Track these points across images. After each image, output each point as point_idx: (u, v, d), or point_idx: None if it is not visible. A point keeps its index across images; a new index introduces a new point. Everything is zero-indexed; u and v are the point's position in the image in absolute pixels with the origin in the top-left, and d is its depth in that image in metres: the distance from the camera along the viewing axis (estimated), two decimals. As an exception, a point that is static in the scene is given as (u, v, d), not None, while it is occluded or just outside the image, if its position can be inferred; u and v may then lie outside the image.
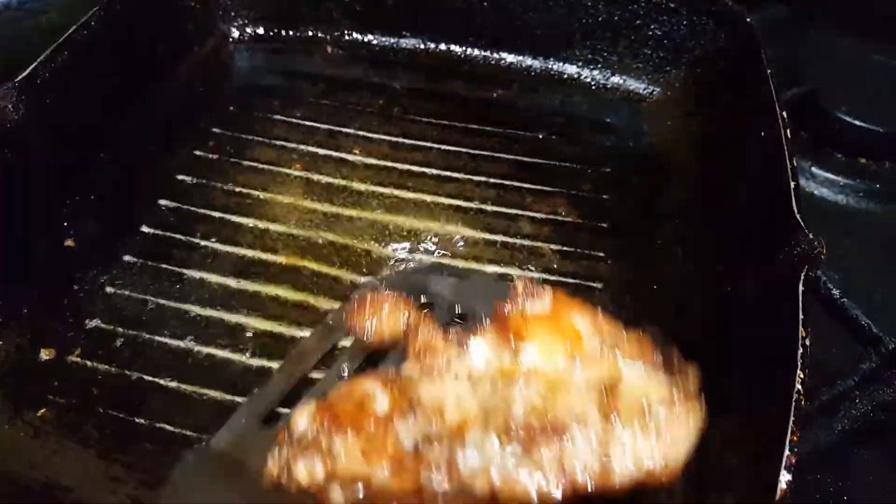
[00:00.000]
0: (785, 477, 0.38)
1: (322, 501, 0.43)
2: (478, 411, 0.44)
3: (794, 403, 0.41)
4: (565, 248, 0.66)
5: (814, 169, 0.80)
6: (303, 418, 0.45)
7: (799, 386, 0.41)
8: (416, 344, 0.47)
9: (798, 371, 0.42)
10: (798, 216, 0.51)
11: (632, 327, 0.49)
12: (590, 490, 0.41)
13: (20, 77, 0.62)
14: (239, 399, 0.55)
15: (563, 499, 0.41)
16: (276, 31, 0.86)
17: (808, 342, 0.44)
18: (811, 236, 0.49)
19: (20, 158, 0.61)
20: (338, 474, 0.42)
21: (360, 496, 0.42)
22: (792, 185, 0.53)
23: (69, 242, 0.63)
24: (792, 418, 0.40)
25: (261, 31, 0.87)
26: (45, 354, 0.57)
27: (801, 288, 0.46)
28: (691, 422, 0.43)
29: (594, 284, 0.63)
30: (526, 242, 0.66)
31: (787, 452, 0.39)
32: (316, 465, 0.42)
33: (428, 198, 0.70)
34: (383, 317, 0.51)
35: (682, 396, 0.44)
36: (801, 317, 0.45)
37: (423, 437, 0.43)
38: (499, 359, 0.46)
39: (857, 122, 0.79)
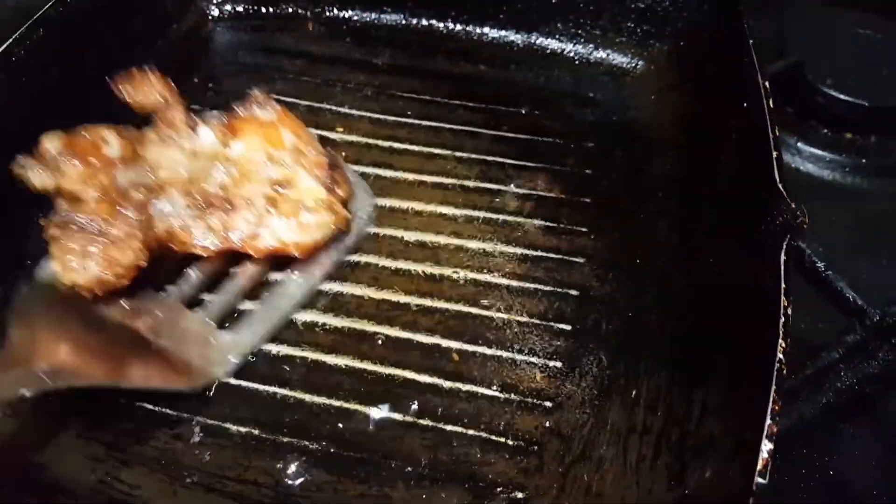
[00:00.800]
0: (766, 446, 0.38)
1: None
2: (184, 176, 0.57)
3: (776, 373, 0.40)
4: (548, 224, 0.65)
5: (799, 144, 0.79)
6: (50, 141, 0.54)
7: (781, 355, 0.41)
8: (161, 115, 0.59)
9: (780, 340, 0.42)
10: (780, 185, 0.50)
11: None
12: (238, 248, 0.57)
13: (-6, 55, 0.61)
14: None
15: (215, 251, 0.56)
16: (256, 7, 0.85)
17: (789, 311, 0.43)
18: (793, 206, 0.48)
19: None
20: (61, 189, 0.53)
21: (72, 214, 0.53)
22: (774, 154, 0.52)
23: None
24: (774, 387, 0.40)
25: (240, 8, 0.85)
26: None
27: (783, 257, 0.46)
28: (327, 221, 0.58)
29: (577, 259, 0.63)
30: (509, 218, 0.66)
31: (768, 421, 0.39)
32: (46, 176, 0.53)
33: (410, 175, 0.69)
34: (144, 88, 0.60)
35: (327, 204, 0.58)
36: (783, 286, 0.44)
37: (134, 183, 0.55)
38: (215, 144, 0.59)
39: (842, 96, 0.78)
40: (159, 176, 0.57)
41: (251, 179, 0.58)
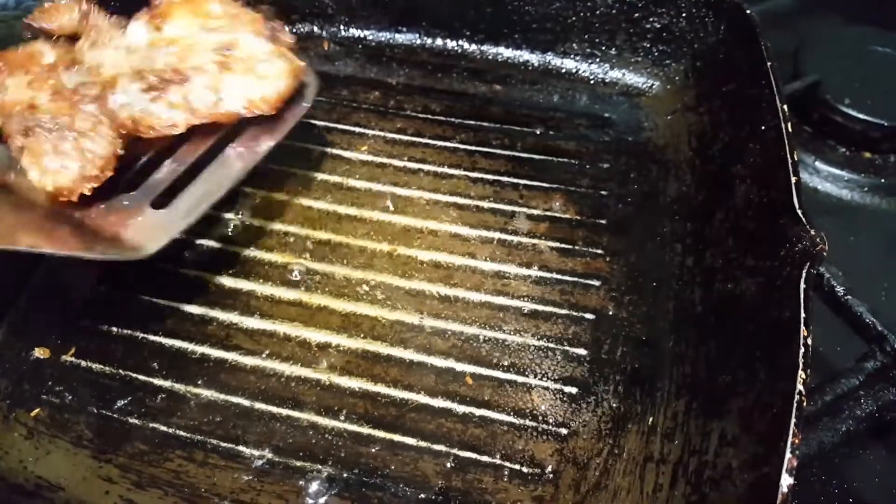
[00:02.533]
0: (786, 480, 0.38)
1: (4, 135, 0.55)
2: (128, 69, 0.57)
3: (795, 405, 0.40)
4: (563, 245, 0.65)
5: (817, 163, 0.79)
6: None
7: (801, 387, 0.41)
8: (86, 23, 0.59)
9: (800, 371, 0.41)
10: (800, 212, 0.50)
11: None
12: (206, 119, 0.58)
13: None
14: (233, 399, 0.55)
15: (184, 126, 0.57)
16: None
17: (810, 342, 0.43)
18: (813, 232, 0.48)
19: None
20: (7, 104, 0.54)
21: (33, 119, 0.53)
22: (793, 180, 0.52)
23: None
24: (794, 420, 0.39)
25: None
26: (39, 353, 0.57)
27: (802, 286, 0.45)
28: (283, 68, 0.59)
29: (593, 282, 0.62)
30: (523, 239, 0.65)
31: (788, 455, 0.38)
32: None
33: (425, 194, 0.69)
34: (59, 15, 0.60)
35: (278, 53, 0.59)
36: (802, 315, 0.44)
37: (82, 83, 0.55)
38: (148, 34, 0.58)
39: (860, 116, 0.78)
40: (103, 74, 0.56)
41: (195, 51, 0.58)
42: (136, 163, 0.59)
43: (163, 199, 0.57)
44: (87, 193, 0.54)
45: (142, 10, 0.60)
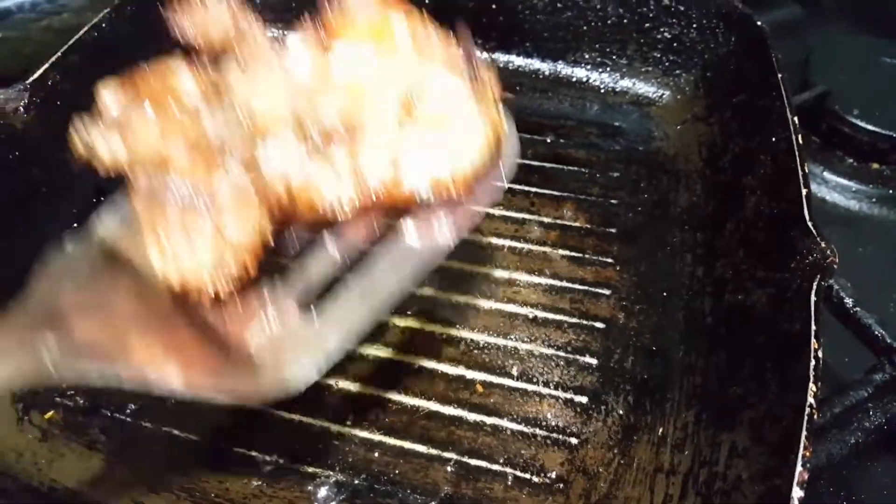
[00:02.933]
0: (797, 493, 0.38)
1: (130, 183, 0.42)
2: (286, 108, 0.43)
3: (806, 417, 0.40)
4: (574, 254, 0.65)
5: (825, 173, 0.79)
6: (108, 91, 0.42)
7: (811, 399, 0.41)
8: (239, 37, 0.46)
9: (811, 384, 0.41)
10: (810, 224, 0.50)
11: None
12: (380, 196, 0.42)
13: (31, 79, 0.62)
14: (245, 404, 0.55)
15: (355, 204, 0.42)
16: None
17: (820, 354, 0.43)
18: (823, 244, 0.48)
19: (30, 160, 0.62)
20: (138, 154, 0.40)
21: (162, 181, 0.40)
22: (804, 191, 0.52)
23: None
24: (804, 433, 0.40)
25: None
26: (52, 358, 0.57)
27: (813, 298, 0.46)
28: (485, 130, 0.43)
29: (603, 291, 0.63)
30: (534, 248, 0.66)
31: (799, 468, 0.39)
32: (117, 144, 0.41)
33: (435, 202, 0.69)
34: (207, 17, 0.47)
35: (479, 105, 0.43)
36: (813, 328, 0.44)
37: (228, 132, 0.41)
38: (313, 56, 0.45)
39: (868, 126, 0.78)
40: (255, 114, 0.42)
41: (371, 93, 0.43)
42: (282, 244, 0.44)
43: (309, 298, 0.44)
44: (221, 296, 0.41)
45: (307, 23, 0.48)
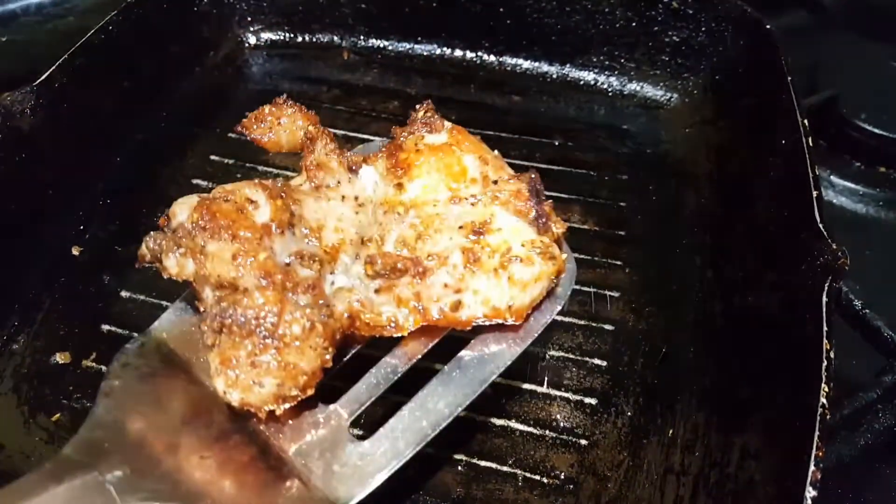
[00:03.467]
0: (810, 493, 0.38)
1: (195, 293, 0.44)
2: (354, 235, 0.45)
3: (818, 418, 0.40)
4: (582, 256, 0.65)
5: (832, 177, 0.79)
6: (182, 210, 0.43)
7: (824, 400, 0.41)
8: (310, 157, 0.47)
9: (823, 385, 0.41)
10: (821, 226, 0.50)
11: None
12: (439, 322, 0.44)
13: (38, 81, 0.63)
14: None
15: (407, 332, 0.44)
16: (291, 36, 0.86)
17: (832, 355, 0.43)
18: (834, 247, 0.48)
19: (36, 161, 0.62)
20: (207, 275, 0.41)
21: (230, 303, 0.41)
22: (814, 194, 0.52)
23: (76, 251, 0.64)
24: (817, 433, 0.39)
25: (276, 36, 0.87)
26: (60, 359, 0.57)
27: (824, 300, 0.45)
28: (544, 271, 0.45)
29: (613, 293, 0.63)
30: (542, 250, 0.66)
31: (811, 468, 0.38)
32: (186, 261, 0.42)
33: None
34: (282, 124, 0.50)
35: (541, 248, 0.45)
36: (825, 329, 0.44)
37: (297, 253, 0.43)
38: (385, 187, 0.47)
39: (876, 131, 0.78)
40: (324, 239, 0.44)
41: (439, 228, 0.45)
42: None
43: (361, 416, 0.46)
44: (278, 414, 0.42)
45: (380, 149, 0.50)
